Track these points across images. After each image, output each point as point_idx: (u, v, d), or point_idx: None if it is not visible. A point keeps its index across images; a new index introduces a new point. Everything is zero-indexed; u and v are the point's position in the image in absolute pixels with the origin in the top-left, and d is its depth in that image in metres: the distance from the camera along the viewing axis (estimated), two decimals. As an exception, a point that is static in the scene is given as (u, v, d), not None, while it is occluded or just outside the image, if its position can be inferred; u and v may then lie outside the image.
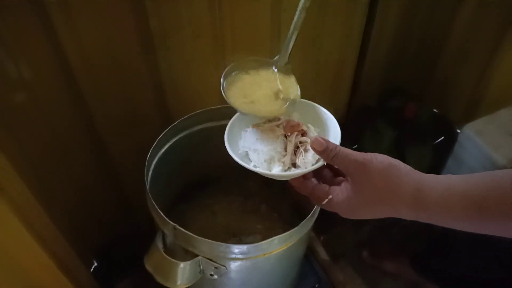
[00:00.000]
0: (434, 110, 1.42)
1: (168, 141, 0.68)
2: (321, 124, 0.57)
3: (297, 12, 0.54)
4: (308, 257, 0.99)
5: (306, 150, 0.52)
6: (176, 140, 0.70)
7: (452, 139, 1.18)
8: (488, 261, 0.85)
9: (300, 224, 0.58)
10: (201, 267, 0.58)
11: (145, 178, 0.60)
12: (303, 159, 0.51)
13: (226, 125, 0.58)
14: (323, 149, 0.46)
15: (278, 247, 0.58)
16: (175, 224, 0.55)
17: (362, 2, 1.02)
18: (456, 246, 0.94)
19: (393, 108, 1.18)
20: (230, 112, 0.72)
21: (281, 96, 0.57)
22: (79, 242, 0.88)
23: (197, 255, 0.57)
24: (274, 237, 0.56)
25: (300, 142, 0.53)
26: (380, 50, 1.18)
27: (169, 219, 0.56)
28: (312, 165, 0.50)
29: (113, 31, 0.69)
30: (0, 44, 0.59)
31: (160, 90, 0.81)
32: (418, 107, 1.15)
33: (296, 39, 0.57)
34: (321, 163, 0.49)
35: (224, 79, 0.56)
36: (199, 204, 0.80)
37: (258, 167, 0.52)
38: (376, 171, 0.44)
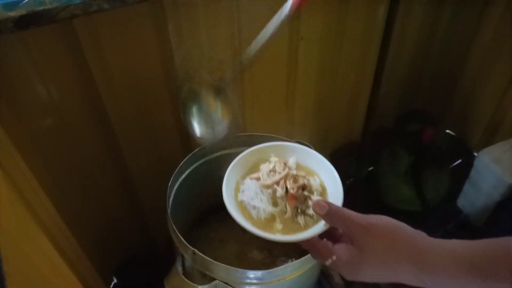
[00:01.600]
0: (452, 133, 1.42)
1: (187, 168, 0.71)
2: (321, 173, 0.58)
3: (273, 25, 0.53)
4: (321, 282, 0.99)
5: (308, 207, 0.52)
6: (195, 167, 0.73)
7: (469, 163, 1.18)
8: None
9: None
10: (218, 291, 0.60)
11: (167, 204, 0.63)
12: (304, 219, 0.52)
13: (242, 151, 0.61)
14: (326, 212, 0.47)
15: (292, 273, 0.60)
16: (194, 249, 0.57)
17: (379, 24, 1.04)
18: None
19: (410, 132, 1.19)
20: (247, 140, 0.75)
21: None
22: (100, 260, 0.91)
23: (214, 279, 0.59)
24: (288, 264, 0.57)
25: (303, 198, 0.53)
26: (397, 72, 1.18)
27: (187, 243, 0.59)
28: (314, 225, 0.51)
29: (138, 59, 0.72)
30: (32, 67, 0.63)
31: (179, 111, 0.84)
32: (436, 131, 1.16)
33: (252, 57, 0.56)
34: (323, 227, 0.50)
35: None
36: (216, 229, 0.83)
37: (258, 229, 0.50)
38: (381, 236, 0.44)
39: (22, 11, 0.49)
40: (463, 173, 1.20)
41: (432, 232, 1.14)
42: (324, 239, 0.50)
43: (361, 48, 1.06)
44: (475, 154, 1.20)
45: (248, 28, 0.81)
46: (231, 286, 0.59)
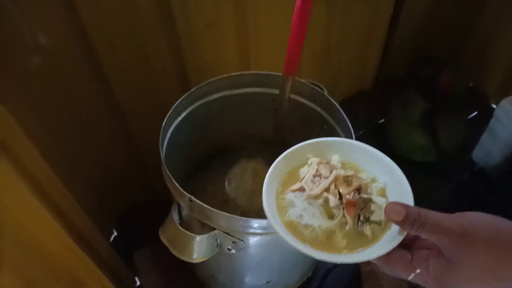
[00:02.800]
0: (469, 84, 1.34)
1: (185, 109, 0.65)
2: (372, 168, 0.46)
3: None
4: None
5: (371, 212, 0.41)
6: (193, 108, 0.66)
7: (486, 114, 1.11)
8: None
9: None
10: (218, 241, 0.56)
11: (160, 147, 0.57)
12: (371, 228, 0.41)
13: (245, 93, 0.54)
14: (404, 218, 0.36)
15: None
16: (191, 196, 0.52)
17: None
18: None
19: (424, 78, 1.11)
20: (250, 79, 0.68)
21: None
22: (97, 212, 0.87)
23: (214, 229, 0.54)
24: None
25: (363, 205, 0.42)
26: (414, 13, 1.11)
27: (186, 190, 0.53)
28: (384, 234, 0.40)
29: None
30: (15, 7, 0.57)
31: (178, 54, 0.78)
32: (452, 78, 1.07)
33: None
34: (399, 235, 0.38)
35: None
36: (217, 174, 0.77)
37: (320, 252, 0.40)
38: (481, 245, 0.35)
39: None
40: (480, 125, 1.13)
41: (445, 184, 1.09)
42: (400, 249, 0.40)
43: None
44: (493, 106, 1.12)
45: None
46: (232, 236, 0.54)
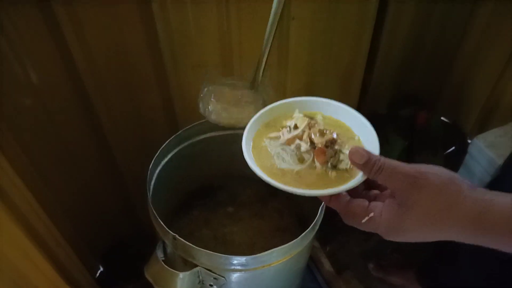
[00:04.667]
0: (446, 119, 1.40)
1: (171, 150, 0.68)
2: (356, 129, 0.50)
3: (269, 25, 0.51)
4: (311, 269, 0.97)
5: (340, 161, 0.45)
6: (179, 150, 0.70)
7: (463, 149, 1.16)
8: (493, 272, 0.83)
9: (300, 236, 0.57)
10: (201, 277, 0.58)
11: (147, 187, 0.60)
12: (337, 174, 0.45)
13: (228, 135, 0.58)
14: (365, 161, 0.39)
15: (278, 259, 0.57)
16: (175, 234, 0.55)
17: (373, 4, 1.00)
18: (462, 257, 0.92)
19: (403, 116, 1.16)
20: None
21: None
22: (83, 247, 0.88)
23: (196, 265, 0.56)
24: (273, 249, 0.55)
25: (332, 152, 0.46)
26: (391, 54, 1.16)
27: (170, 228, 0.56)
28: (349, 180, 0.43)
29: (120, 34, 0.69)
30: (9, 46, 0.59)
31: (166, 93, 0.81)
32: (430, 115, 1.13)
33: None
34: (359, 178, 0.42)
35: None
36: (200, 213, 0.80)
37: (286, 185, 0.43)
38: (431, 188, 0.37)
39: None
40: (457, 161, 1.18)
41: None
42: (359, 198, 0.43)
43: (354, 29, 1.03)
44: (469, 141, 1.18)
45: (236, 6, 0.78)
46: (213, 272, 0.56)
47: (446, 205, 0.37)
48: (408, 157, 1.13)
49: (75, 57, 0.66)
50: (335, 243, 1.06)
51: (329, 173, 0.45)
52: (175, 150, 0.69)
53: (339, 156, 0.46)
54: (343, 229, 1.07)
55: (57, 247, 0.72)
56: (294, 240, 0.56)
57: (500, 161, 1.04)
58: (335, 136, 0.47)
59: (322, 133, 0.47)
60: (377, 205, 0.41)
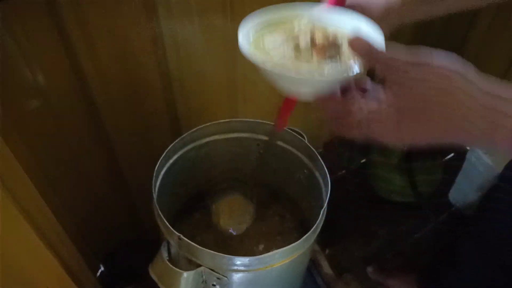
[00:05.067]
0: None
1: (176, 152, 0.70)
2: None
3: None
4: (311, 271, 0.99)
5: (339, 54, 0.42)
6: (183, 152, 0.71)
7: (462, 156, 1.17)
8: (494, 277, 0.84)
9: (302, 238, 0.58)
10: (204, 277, 0.59)
11: (153, 189, 0.61)
12: (332, 66, 0.41)
13: (232, 138, 0.59)
14: (366, 50, 0.36)
15: (280, 261, 0.59)
16: (179, 235, 0.56)
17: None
18: (463, 261, 0.94)
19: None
20: (238, 125, 0.74)
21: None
22: (86, 246, 0.89)
23: (200, 265, 0.58)
24: (276, 250, 0.56)
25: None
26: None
27: (174, 228, 0.57)
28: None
29: (126, 40, 0.71)
30: (18, 51, 0.61)
31: (170, 98, 0.83)
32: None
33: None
34: (359, 69, 0.39)
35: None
36: (202, 216, 0.81)
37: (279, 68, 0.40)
38: (435, 73, 0.34)
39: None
40: (456, 167, 1.19)
41: (424, 224, 1.13)
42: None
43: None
44: (468, 147, 1.19)
45: (240, 14, 0.79)
46: (216, 272, 0.58)
47: (452, 94, 0.33)
48: (407, 163, 1.14)
49: (83, 62, 0.68)
50: (335, 247, 1.07)
51: (325, 65, 0.41)
52: (180, 153, 0.70)
53: (339, 50, 0.42)
54: (343, 233, 1.09)
55: (62, 247, 0.73)
56: (297, 242, 0.57)
57: (498, 168, 1.06)
58: (340, 41, 0.43)
59: (325, 35, 0.43)
60: (371, 97, 0.37)
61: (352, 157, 1.29)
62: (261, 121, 0.72)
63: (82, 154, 0.80)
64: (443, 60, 0.35)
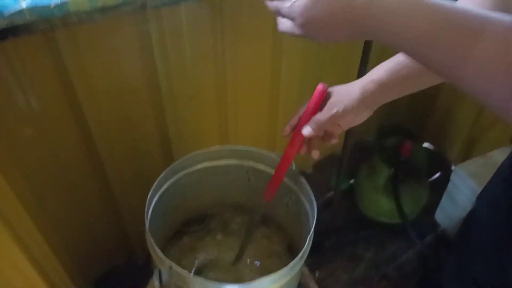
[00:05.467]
0: (430, 148, 1.45)
1: (167, 180, 0.71)
2: None
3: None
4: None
5: None
6: (175, 180, 0.73)
7: (447, 177, 1.20)
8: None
9: (289, 266, 0.60)
10: (194, 304, 0.60)
11: (146, 218, 0.63)
12: None
13: (222, 165, 0.60)
14: None
15: (271, 285, 0.60)
16: (171, 263, 0.57)
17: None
18: (447, 283, 0.95)
19: (389, 146, 1.21)
20: (228, 153, 0.76)
21: None
22: (77, 271, 0.89)
23: (191, 293, 0.59)
24: (264, 277, 0.58)
25: None
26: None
27: (164, 252, 0.59)
28: None
29: (119, 66, 0.73)
30: (12, 76, 0.62)
31: (163, 123, 0.85)
32: (414, 145, 1.18)
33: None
34: None
35: None
36: (190, 241, 0.83)
37: None
38: None
39: (1, 24, 0.49)
40: (441, 187, 1.22)
41: (411, 245, 1.15)
42: None
43: (344, 59, 1.08)
44: (453, 168, 1.22)
45: (231, 40, 0.83)
46: (207, 300, 0.59)
47: None
48: (394, 184, 1.17)
49: (76, 88, 0.69)
50: (324, 270, 1.09)
51: None
52: (172, 180, 0.72)
53: None
54: (331, 256, 1.11)
55: (52, 270, 0.73)
56: (283, 269, 0.59)
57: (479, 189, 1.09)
58: None
59: None
60: None
61: (340, 178, 1.32)
62: (249, 149, 0.75)
63: (75, 179, 0.81)
64: None
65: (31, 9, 0.51)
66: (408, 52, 0.39)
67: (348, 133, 1.25)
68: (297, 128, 0.61)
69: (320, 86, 0.60)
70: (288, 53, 0.94)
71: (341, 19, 0.40)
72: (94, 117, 0.75)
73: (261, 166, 0.76)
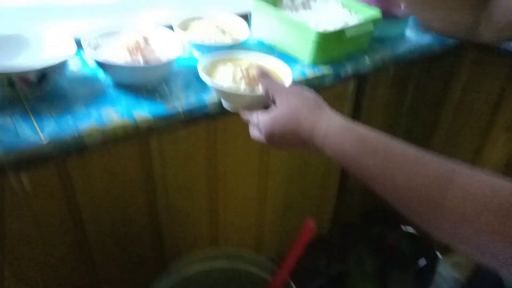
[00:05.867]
0: (414, 232, 1.48)
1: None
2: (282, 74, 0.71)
3: None
4: None
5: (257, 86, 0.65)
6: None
7: (433, 265, 1.23)
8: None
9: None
10: None
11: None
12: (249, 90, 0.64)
13: (216, 269, 0.63)
14: (260, 74, 0.62)
15: None
16: None
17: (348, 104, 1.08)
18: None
19: (374, 234, 1.24)
20: (220, 255, 0.78)
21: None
22: None
23: None
24: None
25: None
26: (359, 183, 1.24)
27: None
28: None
29: (118, 168, 0.75)
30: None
31: (157, 231, 0.87)
32: (398, 236, 1.21)
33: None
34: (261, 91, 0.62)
35: None
36: None
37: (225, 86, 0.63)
38: (295, 96, 0.56)
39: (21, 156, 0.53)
40: (428, 275, 1.24)
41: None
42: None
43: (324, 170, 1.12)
44: (437, 253, 1.25)
45: (224, 160, 0.89)
46: None
47: (303, 109, 0.54)
48: (381, 274, 1.19)
49: (76, 187, 0.71)
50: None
51: (248, 89, 0.64)
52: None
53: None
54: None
55: None
56: None
57: (463, 280, 1.12)
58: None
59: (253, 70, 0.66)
60: (264, 111, 0.59)
61: (329, 263, 1.33)
62: (241, 253, 0.78)
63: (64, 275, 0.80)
64: (308, 91, 0.58)
65: (49, 143, 0.55)
66: (343, 167, 0.50)
67: (336, 215, 1.27)
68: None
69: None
70: (274, 161, 0.99)
71: (292, 139, 0.55)
72: (90, 217, 0.76)
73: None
